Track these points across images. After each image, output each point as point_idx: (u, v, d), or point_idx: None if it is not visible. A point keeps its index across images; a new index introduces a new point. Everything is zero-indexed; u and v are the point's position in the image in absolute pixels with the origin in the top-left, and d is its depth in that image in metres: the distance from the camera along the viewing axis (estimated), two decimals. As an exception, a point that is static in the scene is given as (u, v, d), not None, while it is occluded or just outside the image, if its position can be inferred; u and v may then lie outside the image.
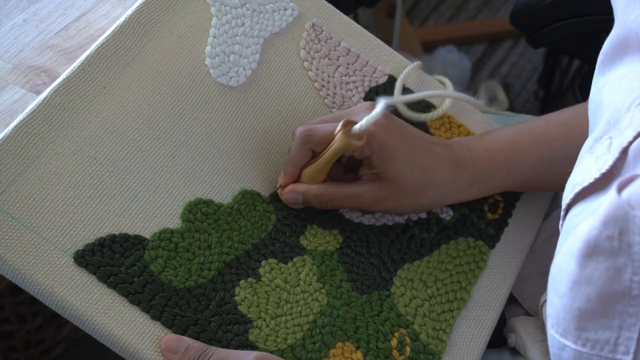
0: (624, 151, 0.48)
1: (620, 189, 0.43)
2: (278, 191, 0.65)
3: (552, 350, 0.51)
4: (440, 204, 0.67)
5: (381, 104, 0.60)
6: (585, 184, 0.51)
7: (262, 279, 0.60)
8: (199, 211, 0.61)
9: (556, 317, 0.50)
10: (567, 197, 0.54)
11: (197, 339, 0.56)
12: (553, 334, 0.50)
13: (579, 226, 0.48)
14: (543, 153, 0.67)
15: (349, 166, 0.67)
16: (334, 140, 0.61)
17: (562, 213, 0.55)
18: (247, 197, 0.63)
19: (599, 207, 0.46)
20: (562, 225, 0.55)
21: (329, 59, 0.71)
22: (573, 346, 0.47)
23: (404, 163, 0.63)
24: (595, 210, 0.46)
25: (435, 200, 0.66)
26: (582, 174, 0.52)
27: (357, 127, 0.60)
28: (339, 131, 0.60)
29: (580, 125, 0.65)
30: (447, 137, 0.72)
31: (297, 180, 0.64)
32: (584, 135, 0.62)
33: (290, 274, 0.61)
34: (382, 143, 0.62)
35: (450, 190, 0.66)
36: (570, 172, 0.62)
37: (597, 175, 0.49)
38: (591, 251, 0.45)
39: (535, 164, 0.67)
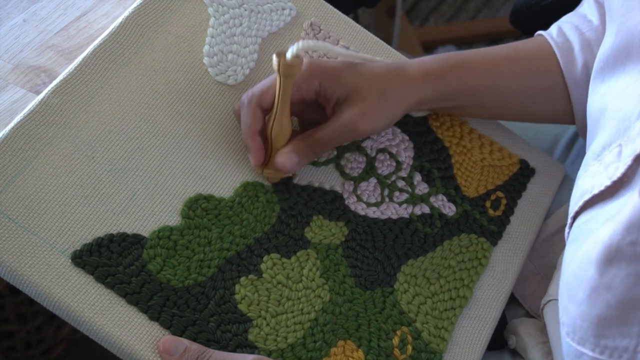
0: (637, 159, 0.48)
1: None
2: (263, 173, 0.63)
3: (568, 358, 0.50)
4: (408, 105, 0.66)
5: (300, 43, 0.60)
6: (595, 191, 0.51)
7: (264, 275, 0.60)
8: (199, 207, 0.60)
9: (572, 324, 0.49)
10: (575, 205, 0.54)
11: (195, 339, 0.55)
12: (569, 342, 0.50)
13: (597, 232, 0.47)
14: (490, 66, 0.68)
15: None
16: (276, 77, 0.60)
17: (569, 221, 0.55)
18: (249, 189, 0.63)
19: (620, 212, 0.45)
20: (568, 233, 0.55)
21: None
22: (590, 354, 0.47)
23: (357, 77, 0.63)
24: (615, 216, 0.46)
25: (400, 103, 0.65)
26: (591, 181, 0.52)
27: (290, 49, 0.59)
28: (276, 62, 0.59)
29: (527, 49, 0.69)
30: (448, 134, 0.72)
31: (267, 151, 0.62)
32: (530, 59, 0.67)
33: (292, 270, 0.61)
34: (331, 70, 0.63)
35: (409, 90, 0.65)
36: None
37: (608, 183, 0.49)
38: (612, 257, 0.45)
39: (483, 76, 0.68)
